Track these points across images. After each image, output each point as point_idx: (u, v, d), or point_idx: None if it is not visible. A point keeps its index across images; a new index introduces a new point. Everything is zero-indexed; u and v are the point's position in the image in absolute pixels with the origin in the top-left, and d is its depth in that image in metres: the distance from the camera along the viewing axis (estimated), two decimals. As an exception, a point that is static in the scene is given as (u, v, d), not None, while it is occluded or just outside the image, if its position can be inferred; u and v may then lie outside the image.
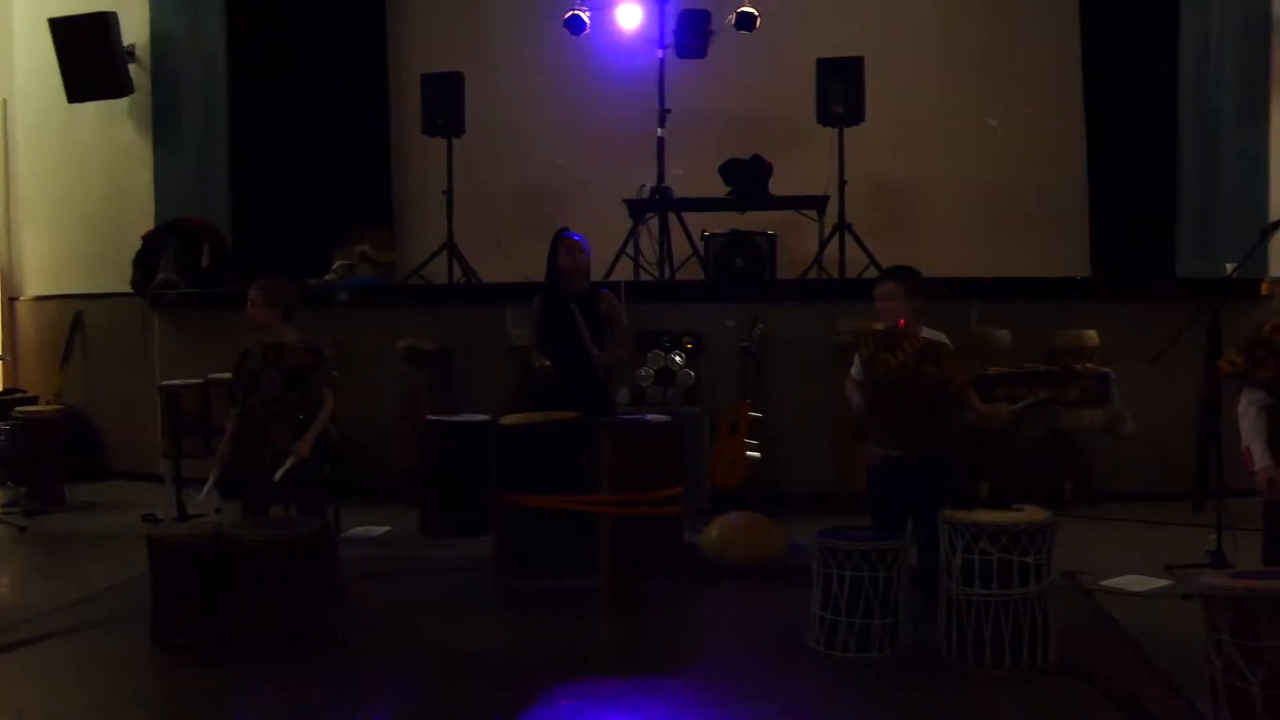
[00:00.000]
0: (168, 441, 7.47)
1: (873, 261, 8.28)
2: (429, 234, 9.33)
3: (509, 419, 5.69)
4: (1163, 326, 6.21)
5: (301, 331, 5.47)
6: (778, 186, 8.73)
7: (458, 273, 9.01)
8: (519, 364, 7.20)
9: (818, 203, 8.59)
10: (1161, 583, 5.61)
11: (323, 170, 9.87)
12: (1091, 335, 7.39)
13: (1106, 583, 5.63)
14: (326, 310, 8.09)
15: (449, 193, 9.05)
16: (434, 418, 5.98)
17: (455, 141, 9.09)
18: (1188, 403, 6.86)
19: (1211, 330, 6.07)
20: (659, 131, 8.87)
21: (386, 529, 6.97)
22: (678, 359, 7.62)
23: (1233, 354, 3.84)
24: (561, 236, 6.14)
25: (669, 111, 8.87)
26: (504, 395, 7.15)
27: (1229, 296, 6.43)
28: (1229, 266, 6.42)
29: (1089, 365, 7.11)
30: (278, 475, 5.06)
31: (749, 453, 7.02)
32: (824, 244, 8.54)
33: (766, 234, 8.52)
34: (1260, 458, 3.69)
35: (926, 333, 5.20)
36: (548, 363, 5.99)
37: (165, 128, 9.46)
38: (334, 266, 9.06)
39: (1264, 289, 7.63)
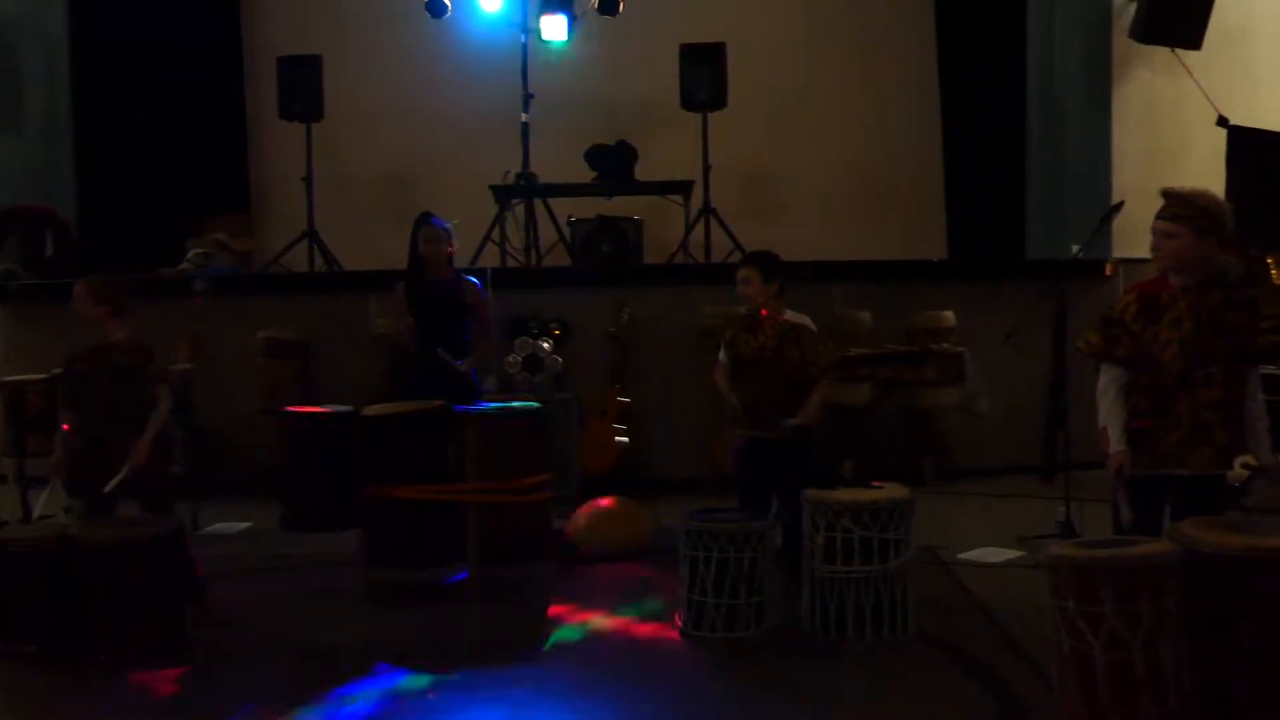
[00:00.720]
0: (11, 439, 7.13)
1: (737, 246, 8.37)
2: (288, 221, 9.11)
3: (373, 409, 5.58)
4: (1014, 307, 6.42)
5: (157, 324, 5.27)
6: (643, 172, 8.77)
7: (319, 261, 8.81)
8: (383, 353, 7.07)
9: (683, 188, 8.66)
10: (1014, 553, 5.81)
11: (175, 156, 9.51)
12: (948, 316, 7.61)
13: (963, 555, 5.81)
14: (182, 301, 7.82)
15: (308, 179, 8.84)
16: (295, 410, 5.83)
17: (314, 126, 8.88)
18: (1038, 380, 7.10)
19: (1059, 310, 6.29)
20: (523, 116, 8.81)
21: (247, 525, 6.78)
22: (545, 345, 7.58)
23: (1089, 333, 3.97)
24: (423, 223, 6.04)
25: (533, 96, 8.81)
26: (368, 386, 7.01)
27: (1075, 277, 6.69)
28: (1075, 249, 6.68)
29: (945, 345, 7.41)
30: (108, 487, 4.88)
31: (617, 438, 7.05)
32: (689, 229, 8.61)
33: (633, 219, 8.55)
34: (1115, 442, 3.81)
35: (790, 316, 5.28)
36: (410, 320, 5.87)
37: (4, 111, 9.00)
38: (188, 255, 8.76)
39: (1108, 270, 7.97)
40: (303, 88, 8.80)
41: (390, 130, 9.54)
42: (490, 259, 8.41)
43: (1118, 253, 7.91)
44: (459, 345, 5.98)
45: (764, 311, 5.06)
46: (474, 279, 6.20)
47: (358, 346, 7.56)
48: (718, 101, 8.62)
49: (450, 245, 6.07)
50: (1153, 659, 3.10)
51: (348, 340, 7.66)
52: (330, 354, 7.74)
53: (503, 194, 8.71)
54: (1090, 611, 3.15)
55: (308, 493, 5.48)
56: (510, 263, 8.58)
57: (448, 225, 6.07)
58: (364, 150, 9.38)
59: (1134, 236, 5.76)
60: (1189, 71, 8.45)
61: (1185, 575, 3.17)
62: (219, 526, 6.72)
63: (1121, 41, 8.69)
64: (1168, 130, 8.71)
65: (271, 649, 4.70)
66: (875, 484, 4.80)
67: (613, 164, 8.77)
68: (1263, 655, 3.08)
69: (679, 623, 4.72)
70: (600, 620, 5.10)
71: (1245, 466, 3.81)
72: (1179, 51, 8.50)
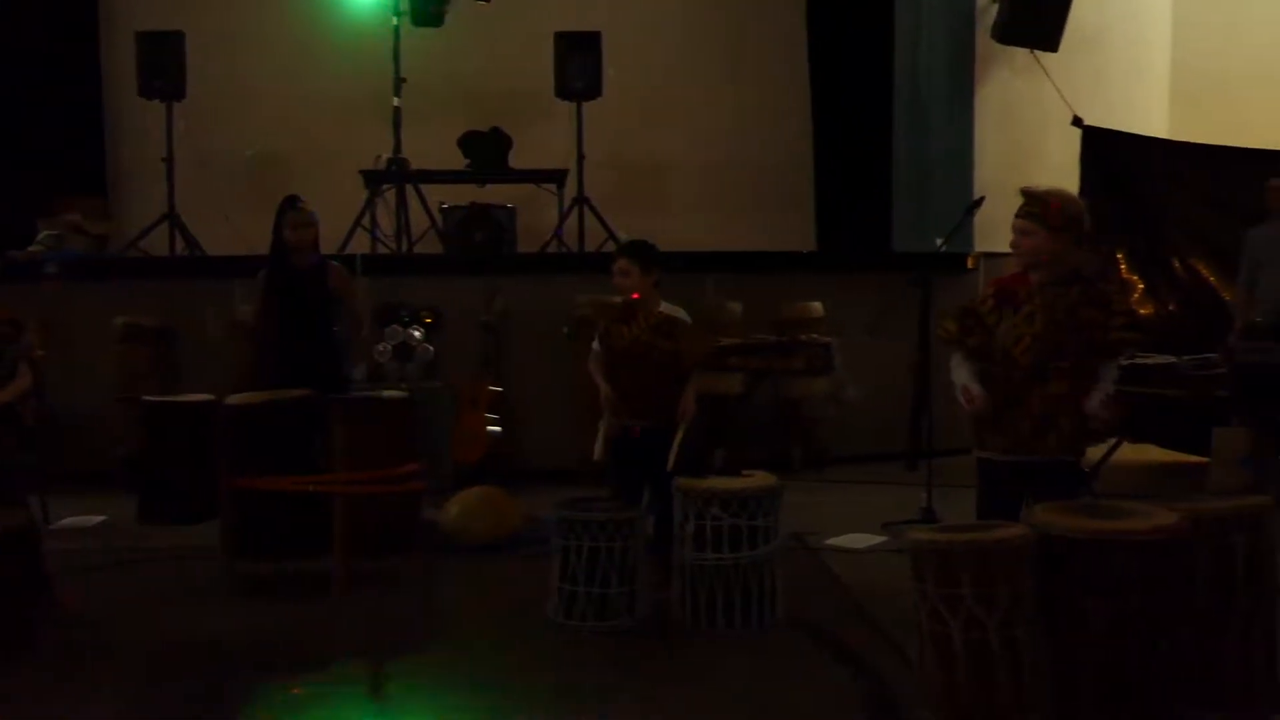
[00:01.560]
0: None
1: (612, 235, 8.38)
2: (148, 204, 8.78)
3: (236, 398, 5.43)
4: (880, 299, 6.58)
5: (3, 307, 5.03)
6: (517, 160, 8.71)
7: (180, 244, 8.52)
8: (248, 340, 6.88)
9: (557, 176, 8.63)
10: (880, 539, 5.96)
11: (27, 133, 9.07)
12: (817, 307, 7.76)
13: (831, 541, 5.94)
14: (33, 285, 7.49)
15: (169, 160, 8.54)
16: (153, 399, 5.64)
17: (176, 105, 8.58)
18: (902, 370, 7.29)
19: (923, 301, 6.46)
20: (395, 101, 8.66)
21: (102, 518, 6.53)
22: (417, 334, 7.48)
23: (948, 321, 4.15)
24: (289, 207, 5.89)
25: (405, 80, 8.67)
26: (232, 373, 6.82)
27: (939, 270, 6.88)
28: (938, 242, 6.86)
29: (814, 336, 7.55)
30: None
31: (490, 427, 7.00)
32: (563, 218, 8.59)
33: (506, 207, 8.48)
34: (970, 385, 3.99)
35: (664, 307, 5.30)
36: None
37: None
38: (39, 237, 8.39)
39: (969, 263, 8.23)
40: (163, 65, 8.49)
41: (256, 111, 9.28)
42: (360, 245, 8.25)
43: (979, 247, 8.17)
44: (325, 333, 5.86)
45: (635, 295, 5.06)
46: (341, 265, 6.08)
47: (221, 333, 7.33)
48: (592, 90, 8.61)
49: (315, 230, 5.93)
50: (1008, 639, 3.21)
51: (210, 327, 7.43)
52: (192, 341, 7.50)
53: (373, 179, 8.55)
54: (949, 594, 3.24)
55: (166, 484, 5.31)
56: (381, 249, 8.44)
57: (312, 211, 5.92)
58: (228, 131, 9.10)
59: (994, 231, 5.96)
60: (1046, 72, 8.77)
61: (1039, 558, 3.29)
62: (72, 520, 6.46)
63: (984, 41, 8.98)
64: (1027, 129, 9.03)
65: (127, 648, 4.53)
66: (745, 472, 4.86)
67: (486, 151, 8.68)
68: (1110, 633, 3.21)
69: (550, 613, 4.71)
70: (471, 611, 5.07)
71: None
72: (1037, 53, 8.81)
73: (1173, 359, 7.10)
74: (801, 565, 5.46)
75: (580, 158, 8.56)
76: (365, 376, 7.26)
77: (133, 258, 8.48)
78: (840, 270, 8.18)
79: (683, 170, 9.62)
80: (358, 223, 8.40)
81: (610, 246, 8.21)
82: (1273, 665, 3.50)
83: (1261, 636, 3.48)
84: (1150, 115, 9.50)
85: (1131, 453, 7.38)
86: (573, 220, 8.57)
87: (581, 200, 8.55)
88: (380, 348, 7.40)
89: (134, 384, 7.09)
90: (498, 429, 7.03)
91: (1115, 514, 3.40)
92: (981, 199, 6.76)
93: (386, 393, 5.89)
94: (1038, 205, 3.95)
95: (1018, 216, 4.00)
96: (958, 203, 7.18)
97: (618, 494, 5.06)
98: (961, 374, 4.07)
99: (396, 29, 8.70)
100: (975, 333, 3.98)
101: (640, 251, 5.21)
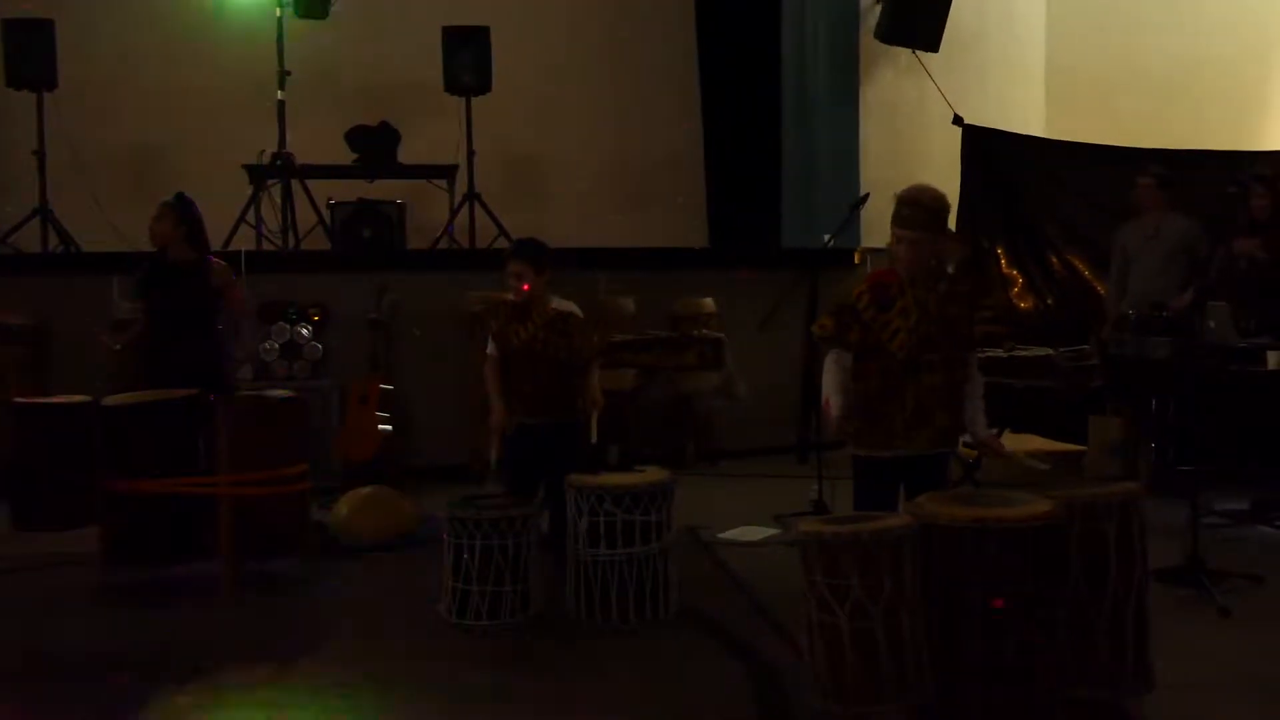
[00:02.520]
0: None
1: (503, 231, 8.33)
2: (18, 198, 8.44)
3: (114, 399, 5.28)
4: (770, 294, 6.66)
5: None
6: (406, 155, 8.60)
7: (54, 240, 8.22)
8: (128, 338, 6.68)
9: (447, 172, 8.54)
10: (772, 531, 6.05)
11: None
12: (709, 303, 7.83)
13: (723, 535, 6.00)
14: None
15: (40, 153, 8.22)
16: (25, 400, 5.45)
17: (47, 96, 8.26)
18: (791, 364, 7.41)
19: (811, 297, 6.57)
20: (279, 94, 8.47)
21: (-27, 526, 6.27)
22: (304, 331, 7.36)
23: (824, 318, 4.13)
24: (166, 204, 5.75)
25: (289, 74, 8.49)
26: (110, 373, 6.61)
27: (827, 265, 6.99)
28: (826, 238, 6.98)
29: (705, 331, 7.62)
30: None
31: (380, 425, 6.91)
32: (454, 213, 8.51)
33: (395, 203, 8.37)
34: (836, 407, 4.04)
35: (556, 303, 5.31)
36: (117, 347, 5.71)
37: None
38: (-103, 233, 8.03)
39: (856, 258, 8.38)
40: (32, 53, 8.16)
41: (134, 103, 8.98)
42: (245, 242, 8.05)
43: (866, 242, 8.32)
44: (205, 331, 5.72)
45: (525, 286, 5.06)
46: (222, 261, 5.94)
47: (98, 332, 7.10)
48: (482, 85, 8.53)
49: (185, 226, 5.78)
50: (893, 627, 3.28)
51: (87, 326, 7.18)
52: (67, 340, 7.25)
53: (258, 174, 8.35)
54: (836, 584, 3.30)
55: (40, 488, 5.14)
56: (267, 246, 8.25)
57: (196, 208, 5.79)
58: (105, 124, 8.80)
59: (881, 227, 6.06)
60: (928, 72, 8.98)
61: (922, 546, 3.37)
62: (-61, 528, 6.19)
63: (868, 41, 9.15)
64: (910, 127, 9.24)
65: (3, 660, 4.36)
66: (638, 468, 4.90)
67: (374, 146, 8.54)
68: (989, 619, 3.31)
69: (444, 612, 4.67)
70: (362, 612, 5.00)
71: (966, 445, 4.10)
72: (919, 53, 9.02)
73: (1049, 351, 7.33)
74: (695, 559, 5.52)
75: (471, 153, 8.48)
76: (252, 375, 7.12)
77: (2, 254, 8.15)
78: (731, 266, 8.27)
79: (575, 166, 9.60)
80: (242, 219, 8.20)
81: (502, 243, 8.16)
82: (1143, 646, 3.64)
83: (1132, 618, 3.61)
84: (1028, 114, 9.79)
85: (1012, 442, 7.51)
86: (463, 215, 8.50)
87: (472, 196, 8.48)
88: (267, 346, 7.26)
89: (4, 384, 6.83)
90: (388, 427, 6.94)
91: (994, 502, 3.50)
92: (866, 196, 6.89)
93: (273, 392, 5.77)
94: (922, 213, 3.97)
95: (905, 228, 3.97)
96: (845, 200, 7.30)
97: (512, 490, 5.06)
98: (829, 383, 4.10)
99: (280, 20, 8.51)
100: (853, 329, 4.01)
101: (532, 252, 5.20)
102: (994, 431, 4.22)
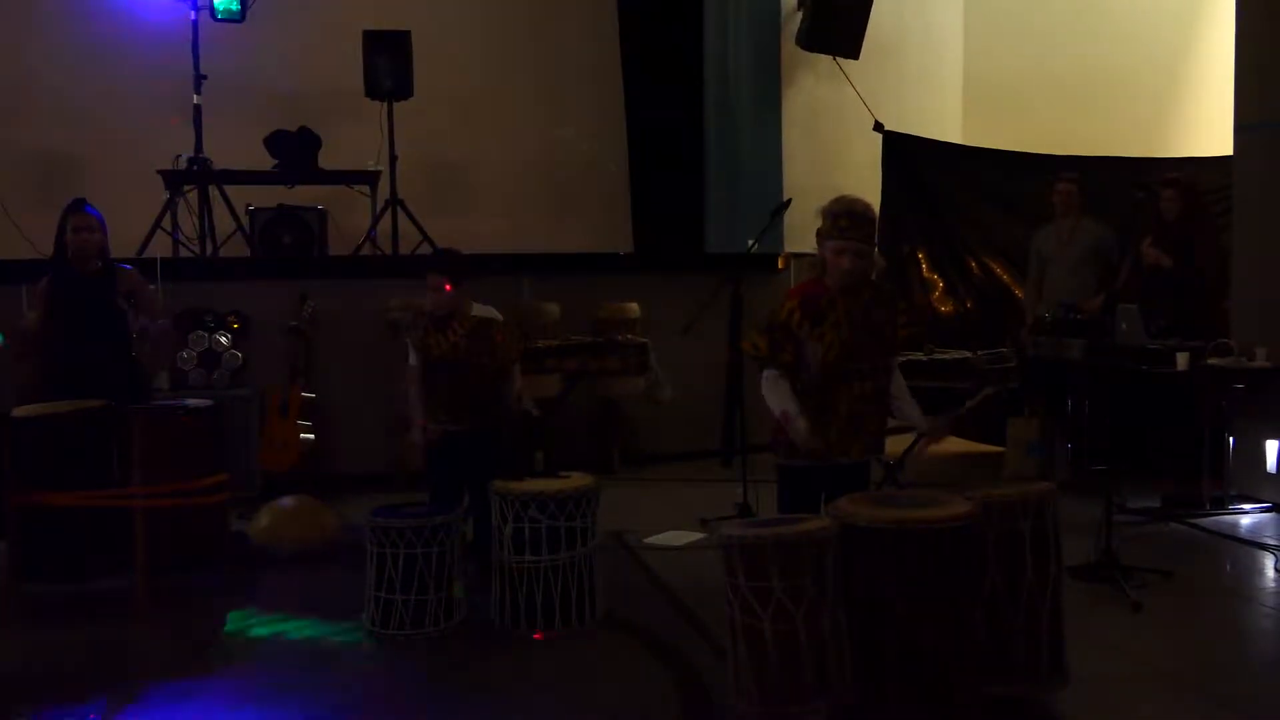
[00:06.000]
0: None
1: (426, 238, 8.27)
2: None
3: (23, 410, 5.14)
4: (694, 299, 6.68)
5: None
6: (327, 160, 8.48)
7: (-41, 248, 7.97)
8: (37, 348, 6.50)
9: (369, 178, 8.45)
10: (697, 535, 6.07)
11: None
12: (633, 307, 7.84)
13: (649, 539, 6.01)
14: None
15: (-59, 157, 7.99)
16: (-72, 413, 5.28)
17: (-52, 98, 8.04)
18: (716, 368, 7.44)
19: (734, 301, 6.60)
20: (195, 98, 8.32)
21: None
22: (223, 339, 7.24)
23: (755, 336, 4.04)
24: (73, 210, 5.61)
25: (205, 78, 8.33)
26: (18, 384, 6.43)
27: (751, 270, 7.03)
28: (750, 243, 7.01)
29: (630, 336, 7.62)
30: None
31: (301, 434, 6.80)
32: (376, 220, 8.42)
33: (316, 209, 8.25)
34: (796, 418, 3.89)
35: (478, 310, 5.29)
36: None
37: None
38: None
39: (780, 263, 8.46)
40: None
41: (44, 106, 8.75)
42: (161, 248, 7.89)
43: (788, 248, 8.40)
44: (115, 340, 5.59)
45: (447, 287, 5.02)
46: (129, 266, 5.82)
47: (6, 343, 6.90)
48: (403, 90, 8.45)
49: (103, 234, 5.65)
50: (814, 628, 3.32)
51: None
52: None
53: (174, 179, 8.19)
54: (759, 586, 3.33)
55: (-55, 505, 4.98)
56: (183, 253, 8.09)
57: (99, 214, 5.65)
58: (11, 127, 8.56)
59: (804, 232, 6.11)
60: (849, 79, 9.08)
61: (843, 548, 3.40)
62: None
63: (790, 47, 9.23)
64: (832, 133, 9.33)
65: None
66: (563, 473, 4.88)
67: (294, 151, 8.41)
68: (909, 619, 3.35)
69: (367, 622, 4.62)
70: (283, 624, 4.92)
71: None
72: (840, 60, 9.12)
73: (968, 354, 7.45)
74: (620, 564, 5.52)
75: (393, 158, 8.40)
76: (169, 384, 6.98)
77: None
78: (655, 271, 8.29)
79: (497, 171, 9.55)
80: (157, 225, 8.03)
81: (425, 248, 8.11)
82: (1058, 642, 3.72)
83: (1048, 614, 3.68)
84: (945, 121, 9.94)
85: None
86: (386, 222, 8.40)
87: (394, 202, 8.39)
88: (184, 355, 7.13)
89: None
90: (310, 436, 6.84)
91: (914, 504, 3.54)
92: (789, 201, 6.94)
93: (190, 401, 5.66)
94: (866, 225, 3.94)
95: (848, 239, 3.89)
96: (768, 204, 7.35)
97: (436, 498, 5.02)
98: (778, 397, 3.94)
99: (195, 23, 8.36)
100: (785, 349, 3.95)
101: (451, 264, 5.17)
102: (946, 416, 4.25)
